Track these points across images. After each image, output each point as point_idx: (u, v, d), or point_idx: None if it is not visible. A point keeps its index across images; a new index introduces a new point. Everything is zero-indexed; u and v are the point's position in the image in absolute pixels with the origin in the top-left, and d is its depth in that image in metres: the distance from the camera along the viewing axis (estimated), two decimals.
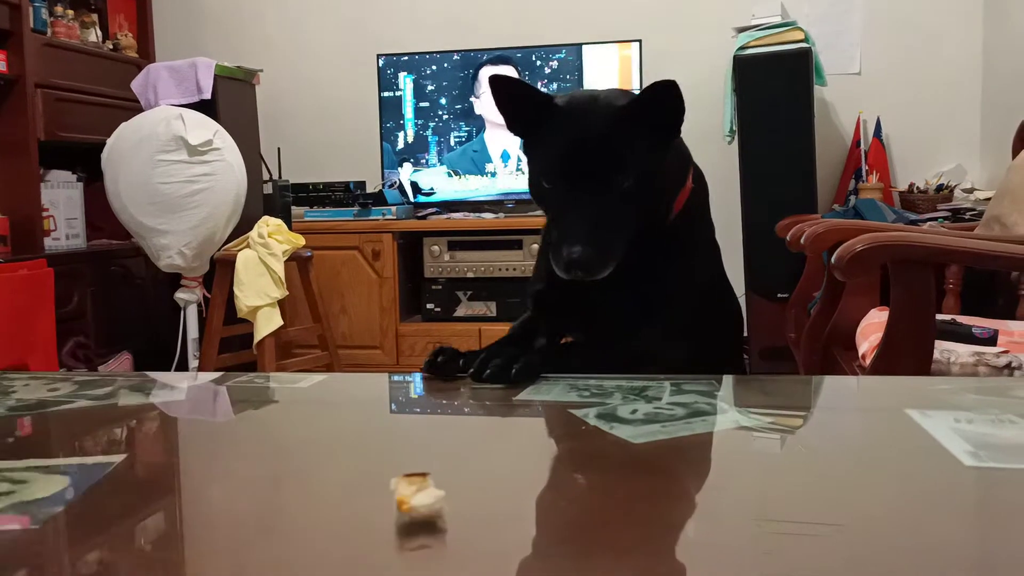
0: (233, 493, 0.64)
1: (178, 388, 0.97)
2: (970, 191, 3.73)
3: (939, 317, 1.83)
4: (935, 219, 3.38)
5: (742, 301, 3.88)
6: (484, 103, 4.11)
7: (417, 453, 0.71)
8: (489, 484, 0.59)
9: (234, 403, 0.88)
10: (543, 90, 1.13)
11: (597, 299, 1.07)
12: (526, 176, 1.11)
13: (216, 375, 0.97)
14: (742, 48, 3.64)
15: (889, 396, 0.83)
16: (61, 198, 3.90)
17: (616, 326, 1.07)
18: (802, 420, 0.79)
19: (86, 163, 3.95)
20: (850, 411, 0.83)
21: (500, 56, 4.13)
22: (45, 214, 3.81)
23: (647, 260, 1.06)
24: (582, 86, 4.06)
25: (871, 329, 2.08)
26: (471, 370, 0.89)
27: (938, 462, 0.62)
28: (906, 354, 1.71)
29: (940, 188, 3.75)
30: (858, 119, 3.96)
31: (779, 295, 3.55)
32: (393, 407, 0.89)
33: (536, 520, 0.53)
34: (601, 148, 0.98)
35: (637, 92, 1.09)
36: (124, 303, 4.02)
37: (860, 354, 2.05)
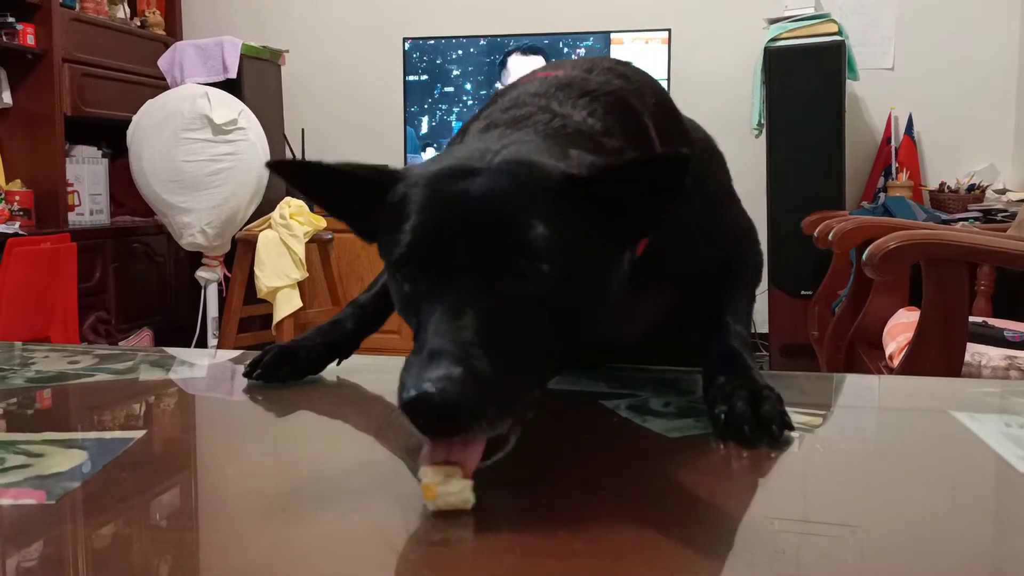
0: (251, 474, 0.63)
1: (198, 365, 0.95)
2: (1002, 192, 3.67)
3: (970, 319, 1.79)
4: (966, 219, 3.33)
5: (764, 297, 3.87)
6: None
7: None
8: (516, 475, 0.57)
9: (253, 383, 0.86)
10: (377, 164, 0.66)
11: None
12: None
13: (235, 353, 0.96)
14: (773, 40, 3.59)
15: (934, 397, 0.81)
16: (86, 173, 3.91)
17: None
18: (843, 420, 0.76)
19: (111, 139, 3.97)
20: (894, 412, 0.80)
21: (528, 45, 4.09)
22: (70, 189, 3.83)
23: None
24: None
25: (899, 329, 2.05)
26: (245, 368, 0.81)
27: (990, 467, 0.60)
28: (937, 355, 1.67)
29: (972, 188, 3.69)
30: (889, 115, 3.90)
31: (803, 292, 3.51)
32: None
33: (565, 515, 0.51)
34: (488, 207, 0.57)
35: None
36: (145, 280, 4.03)
37: (887, 354, 2.02)
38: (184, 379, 0.88)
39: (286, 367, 0.82)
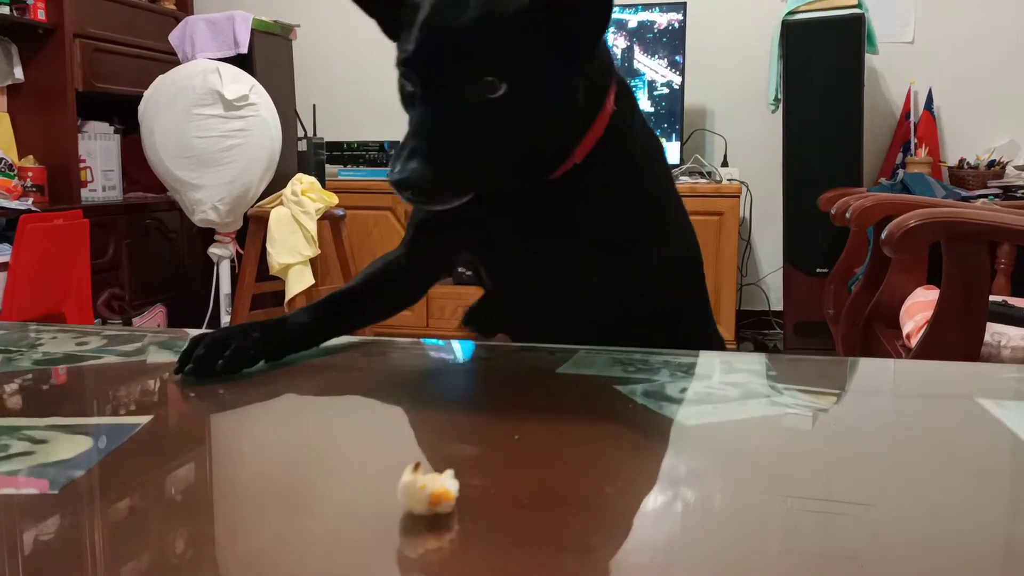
0: (260, 460, 0.62)
1: None
2: (1023, 168, 3.61)
3: (990, 298, 1.76)
4: (986, 196, 3.28)
5: (779, 274, 3.83)
6: None
7: (451, 427, 0.68)
8: (531, 465, 0.56)
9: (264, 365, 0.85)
10: None
11: (500, 239, 0.91)
12: None
13: None
14: (791, 12, 3.53)
15: (958, 383, 0.79)
16: (98, 149, 3.91)
17: (552, 268, 0.88)
18: (865, 404, 0.74)
19: (123, 115, 3.96)
20: (917, 397, 0.78)
21: None
22: (82, 165, 3.82)
23: (577, 194, 0.86)
24: (625, 51, 3.97)
25: (917, 308, 2.02)
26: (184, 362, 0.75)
27: (1017, 454, 0.58)
28: (956, 335, 1.65)
29: (991, 164, 3.63)
30: (909, 90, 3.84)
31: (818, 270, 3.48)
32: (427, 375, 0.86)
33: (582, 507, 0.50)
34: (466, 37, 0.75)
35: None
36: (158, 256, 4.04)
37: (905, 333, 1.99)
38: None
39: (221, 361, 0.75)
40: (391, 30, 0.85)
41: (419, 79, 0.77)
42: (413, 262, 0.93)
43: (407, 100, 0.81)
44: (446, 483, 0.48)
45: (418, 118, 0.75)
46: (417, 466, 0.49)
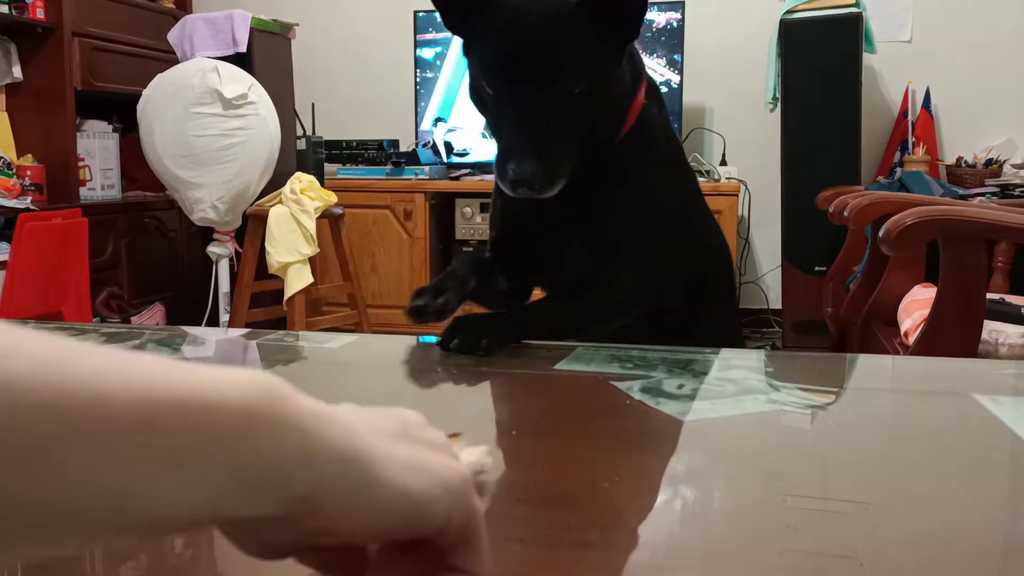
0: None
1: (206, 344, 0.94)
2: (1020, 167, 3.62)
3: (988, 296, 1.77)
4: (983, 195, 3.28)
5: (778, 273, 3.84)
6: None
7: (448, 423, 0.68)
8: (528, 462, 0.56)
9: (263, 363, 0.86)
10: None
11: (554, 241, 0.98)
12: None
13: (244, 331, 0.95)
14: (789, 12, 3.53)
15: (955, 379, 0.79)
16: (97, 148, 3.91)
17: (579, 269, 0.97)
18: (861, 400, 0.74)
19: (122, 114, 3.95)
20: (914, 394, 0.78)
21: None
22: (81, 164, 3.82)
23: (599, 189, 0.94)
24: None
25: (915, 306, 2.03)
26: (440, 339, 0.85)
27: (1014, 452, 0.58)
28: (953, 333, 1.65)
29: (989, 163, 3.64)
30: (906, 89, 3.84)
31: (816, 268, 3.48)
32: (423, 373, 0.86)
33: (578, 503, 0.50)
34: (550, 47, 0.84)
35: None
36: (157, 255, 4.04)
37: (903, 331, 2.00)
38: (191, 359, 0.88)
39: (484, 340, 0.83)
40: (456, 26, 0.92)
41: (508, 85, 0.86)
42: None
43: (484, 100, 0.89)
44: (481, 461, 0.47)
45: (515, 121, 0.85)
46: (455, 436, 0.48)
